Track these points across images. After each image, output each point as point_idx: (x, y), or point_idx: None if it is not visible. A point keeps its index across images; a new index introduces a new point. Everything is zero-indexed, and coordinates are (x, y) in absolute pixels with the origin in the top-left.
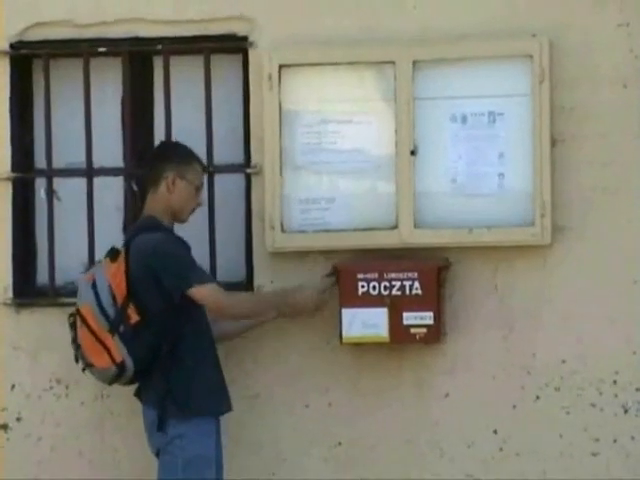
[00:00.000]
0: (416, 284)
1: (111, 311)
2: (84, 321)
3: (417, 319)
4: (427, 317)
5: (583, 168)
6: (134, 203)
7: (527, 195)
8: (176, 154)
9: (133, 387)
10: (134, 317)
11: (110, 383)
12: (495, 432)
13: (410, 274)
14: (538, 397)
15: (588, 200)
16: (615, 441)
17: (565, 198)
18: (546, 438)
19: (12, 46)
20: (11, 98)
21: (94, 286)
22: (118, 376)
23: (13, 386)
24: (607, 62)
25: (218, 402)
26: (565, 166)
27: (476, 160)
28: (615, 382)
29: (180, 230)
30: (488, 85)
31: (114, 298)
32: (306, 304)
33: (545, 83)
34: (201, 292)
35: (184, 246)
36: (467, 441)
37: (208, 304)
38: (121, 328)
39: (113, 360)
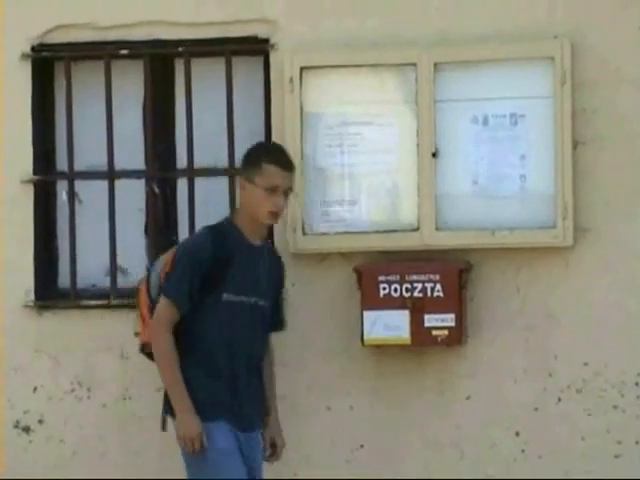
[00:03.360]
0: (438, 286)
1: (154, 293)
2: (141, 295)
3: (439, 321)
4: (449, 319)
5: (605, 170)
6: (155, 205)
7: (549, 197)
8: (247, 156)
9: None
10: None
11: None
12: (517, 434)
13: (432, 276)
14: (560, 399)
15: (610, 202)
16: (637, 443)
17: (587, 200)
18: (568, 440)
19: (34, 49)
20: (33, 101)
21: (152, 265)
22: (145, 353)
23: (35, 388)
24: (629, 64)
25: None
26: (587, 168)
27: (498, 162)
28: (637, 384)
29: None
30: (510, 87)
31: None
32: (178, 415)
33: (567, 85)
34: (158, 304)
35: (193, 250)
36: (489, 443)
37: (153, 317)
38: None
39: (142, 337)
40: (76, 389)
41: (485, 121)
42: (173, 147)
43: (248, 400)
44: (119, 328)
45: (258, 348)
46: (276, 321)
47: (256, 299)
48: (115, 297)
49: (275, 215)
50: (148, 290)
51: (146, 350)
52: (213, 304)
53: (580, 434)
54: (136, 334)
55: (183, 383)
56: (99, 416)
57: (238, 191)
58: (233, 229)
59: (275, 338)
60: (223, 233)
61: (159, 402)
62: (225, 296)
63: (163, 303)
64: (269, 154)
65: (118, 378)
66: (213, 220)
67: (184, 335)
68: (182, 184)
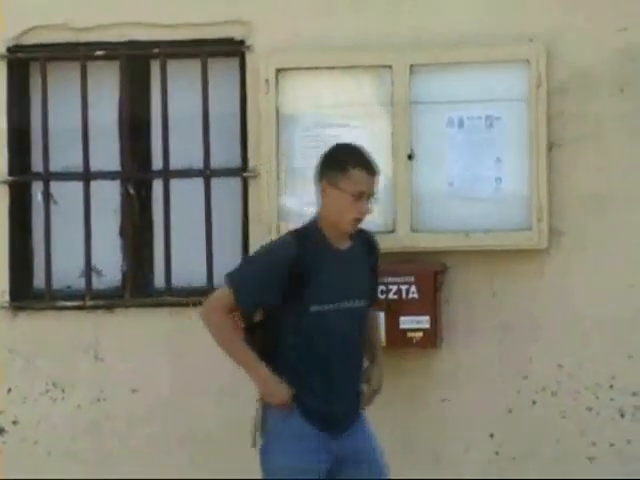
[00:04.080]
0: (413, 288)
1: None
2: None
3: (414, 323)
4: (424, 321)
5: (580, 172)
6: (131, 207)
7: (524, 199)
8: (330, 159)
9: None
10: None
11: None
12: (491, 436)
13: (407, 278)
14: (534, 401)
15: (585, 204)
16: (612, 445)
17: (562, 202)
18: (542, 442)
19: (9, 49)
20: (8, 101)
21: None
22: None
23: (9, 389)
24: (604, 67)
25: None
26: (562, 170)
27: (473, 164)
28: (611, 386)
29: (176, 234)
30: (485, 90)
31: None
32: (260, 387)
33: (542, 88)
34: (218, 289)
35: (275, 251)
36: (463, 445)
37: (208, 297)
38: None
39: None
40: (50, 390)
41: (460, 123)
42: (149, 148)
43: (346, 410)
44: (94, 329)
45: (356, 351)
46: (371, 300)
47: (349, 303)
48: (90, 298)
49: (358, 222)
50: None
51: None
52: (301, 317)
53: (555, 436)
54: None
55: (251, 352)
56: (73, 417)
57: (319, 196)
58: (319, 234)
59: None
60: (309, 238)
61: (133, 403)
62: (313, 307)
63: (223, 288)
64: (355, 158)
65: (92, 379)
66: (187, 222)
67: (271, 356)
68: (157, 185)
